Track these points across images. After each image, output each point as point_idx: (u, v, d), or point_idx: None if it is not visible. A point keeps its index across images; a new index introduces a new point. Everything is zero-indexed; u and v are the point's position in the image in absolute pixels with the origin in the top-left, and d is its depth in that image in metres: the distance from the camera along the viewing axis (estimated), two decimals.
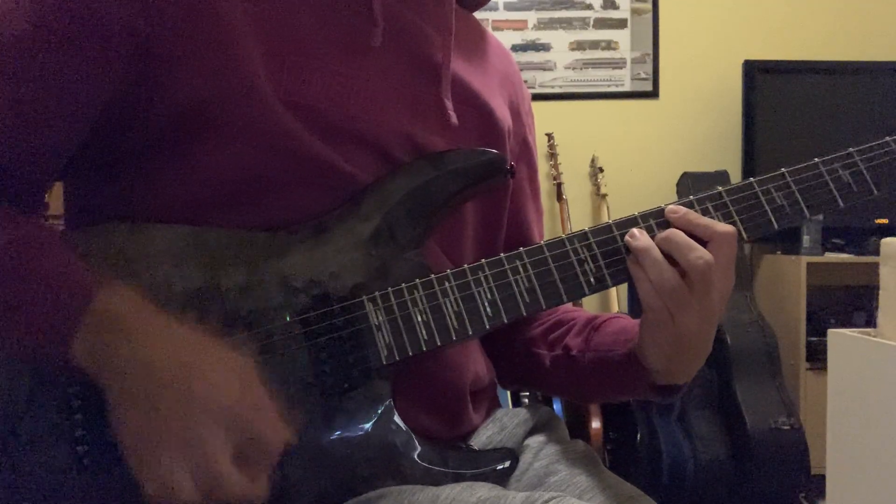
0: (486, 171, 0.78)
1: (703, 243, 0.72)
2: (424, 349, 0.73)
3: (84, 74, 0.68)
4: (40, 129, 0.69)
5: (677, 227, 0.74)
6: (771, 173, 0.77)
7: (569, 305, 0.86)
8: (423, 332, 0.73)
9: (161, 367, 0.63)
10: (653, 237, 0.73)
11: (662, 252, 0.72)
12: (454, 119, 0.80)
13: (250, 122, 0.70)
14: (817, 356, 2.78)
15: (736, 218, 0.76)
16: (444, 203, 0.77)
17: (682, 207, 0.75)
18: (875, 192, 0.77)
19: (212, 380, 0.63)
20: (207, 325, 0.67)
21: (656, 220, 0.75)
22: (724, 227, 0.73)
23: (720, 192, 0.76)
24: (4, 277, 0.65)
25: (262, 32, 0.71)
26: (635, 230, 0.74)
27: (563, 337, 0.88)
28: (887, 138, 0.78)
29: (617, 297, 2.97)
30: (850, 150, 0.78)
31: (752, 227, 0.76)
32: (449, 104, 0.81)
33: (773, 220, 0.76)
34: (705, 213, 0.76)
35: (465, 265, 0.75)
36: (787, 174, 0.77)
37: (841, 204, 0.77)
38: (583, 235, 0.75)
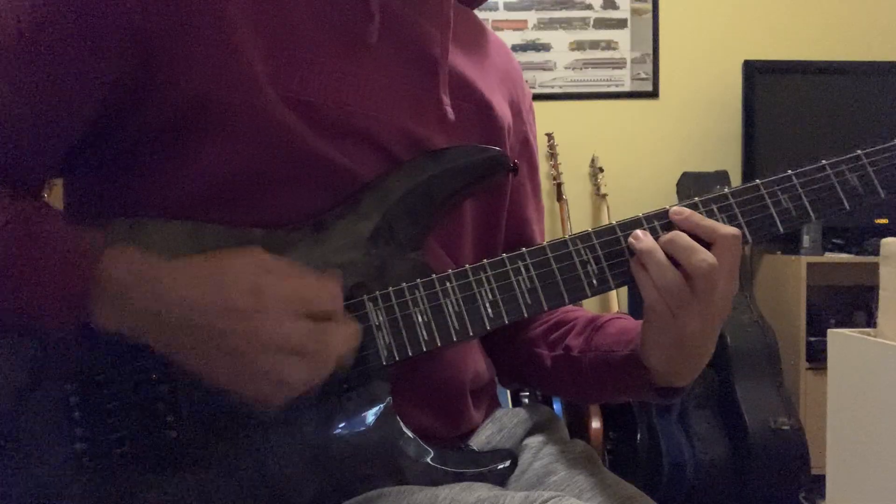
0: (488, 168, 0.78)
1: (707, 245, 0.72)
2: (425, 349, 0.72)
3: (82, 71, 0.68)
4: (38, 125, 0.69)
5: (681, 229, 0.73)
6: (777, 175, 0.76)
7: (570, 305, 0.86)
8: (424, 332, 0.72)
9: (197, 297, 0.64)
10: (656, 239, 0.73)
11: (666, 254, 0.72)
12: (451, 115, 0.80)
13: (249, 119, 0.70)
14: (817, 356, 2.78)
15: (741, 220, 0.75)
16: (444, 201, 0.76)
17: (686, 209, 0.75)
18: (883, 196, 0.76)
19: (243, 282, 0.64)
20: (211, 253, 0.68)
21: (660, 222, 0.75)
22: (728, 230, 0.73)
23: (725, 194, 0.76)
24: (7, 256, 0.65)
25: (260, 29, 0.71)
26: (639, 232, 0.74)
27: (564, 337, 0.88)
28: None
29: (617, 297, 2.97)
30: (858, 152, 0.77)
31: (757, 229, 0.76)
32: (446, 100, 0.80)
33: (778, 222, 0.76)
34: (710, 214, 0.75)
35: (467, 265, 0.74)
36: (793, 176, 0.77)
37: (847, 207, 0.76)
38: (586, 236, 0.75)
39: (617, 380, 0.82)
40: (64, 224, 0.68)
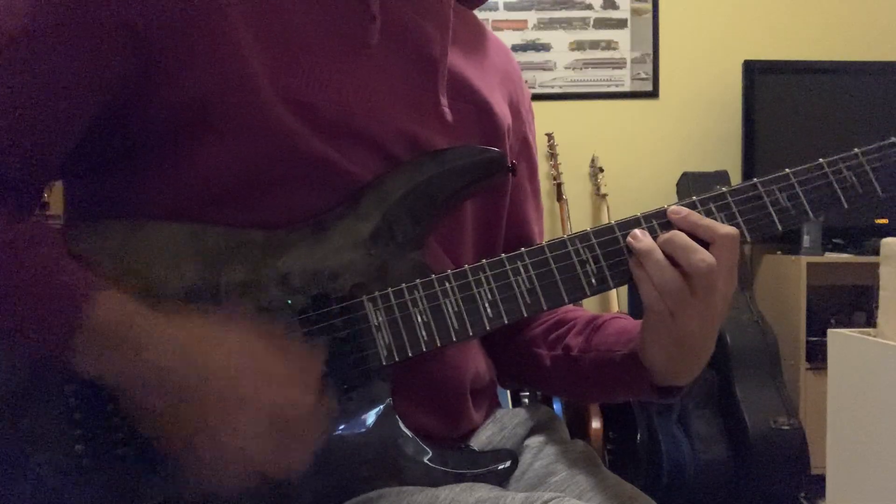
0: (488, 168, 0.78)
1: (706, 245, 0.72)
2: (424, 350, 0.72)
3: (80, 73, 0.68)
4: (37, 128, 0.68)
5: (680, 229, 0.73)
6: (775, 174, 0.76)
7: (569, 305, 0.86)
8: (424, 332, 0.72)
9: (177, 375, 0.64)
10: (655, 238, 0.73)
11: (665, 253, 0.72)
12: (449, 116, 0.80)
13: (248, 121, 0.70)
14: (817, 356, 2.77)
15: (739, 219, 0.75)
16: (444, 201, 0.76)
17: (684, 208, 0.75)
18: (881, 194, 0.76)
19: (222, 379, 0.64)
20: (199, 315, 0.67)
21: (659, 221, 0.75)
22: (727, 229, 0.72)
23: (724, 193, 0.76)
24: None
25: (261, 31, 0.71)
26: (637, 231, 0.74)
27: (563, 336, 0.88)
28: (893, 139, 0.77)
29: (617, 297, 2.97)
30: (856, 150, 0.77)
31: (756, 228, 0.76)
32: (444, 101, 0.80)
33: (776, 221, 0.76)
34: (708, 213, 0.75)
35: (466, 265, 0.74)
36: (791, 175, 0.76)
37: (845, 206, 0.76)
38: (585, 236, 0.75)
39: (616, 379, 0.82)
40: (60, 256, 0.67)
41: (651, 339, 0.75)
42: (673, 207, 0.75)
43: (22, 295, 0.64)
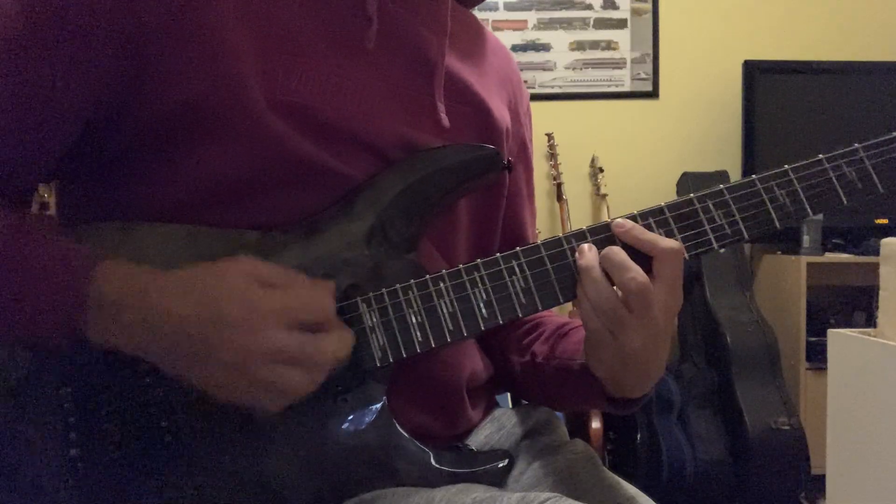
0: (482, 166, 0.77)
1: (649, 259, 0.70)
2: (419, 351, 0.72)
3: (71, 75, 0.67)
4: (29, 130, 0.68)
5: (623, 242, 0.72)
6: (773, 170, 0.75)
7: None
8: (418, 333, 0.72)
9: (189, 310, 0.63)
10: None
11: (603, 270, 0.70)
12: (446, 122, 0.80)
13: (240, 124, 0.69)
14: (817, 356, 2.77)
15: (737, 216, 0.74)
16: (438, 200, 0.76)
17: (628, 222, 0.73)
18: (881, 189, 0.75)
19: (235, 294, 0.64)
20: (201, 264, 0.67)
21: (655, 219, 0.74)
22: (668, 243, 0.71)
23: (721, 190, 0.75)
24: (0, 269, 0.65)
25: (255, 33, 0.70)
26: (584, 246, 0.72)
27: (532, 343, 0.88)
28: (894, 134, 0.76)
29: None
30: (856, 145, 0.76)
31: (754, 225, 0.74)
32: (441, 106, 0.80)
33: (775, 218, 0.75)
34: (706, 212, 0.74)
35: (461, 265, 0.74)
36: (790, 171, 0.75)
37: (845, 202, 0.75)
38: (580, 234, 0.74)
39: (574, 389, 0.81)
40: (57, 237, 0.67)
41: (593, 356, 0.74)
42: (618, 220, 0.73)
43: (24, 280, 0.64)
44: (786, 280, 2.93)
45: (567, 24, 3.26)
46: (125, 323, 0.64)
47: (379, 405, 0.72)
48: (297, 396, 0.65)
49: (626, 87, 3.27)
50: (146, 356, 0.65)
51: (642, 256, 0.71)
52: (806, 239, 2.88)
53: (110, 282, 0.64)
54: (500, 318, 0.73)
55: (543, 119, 3.03)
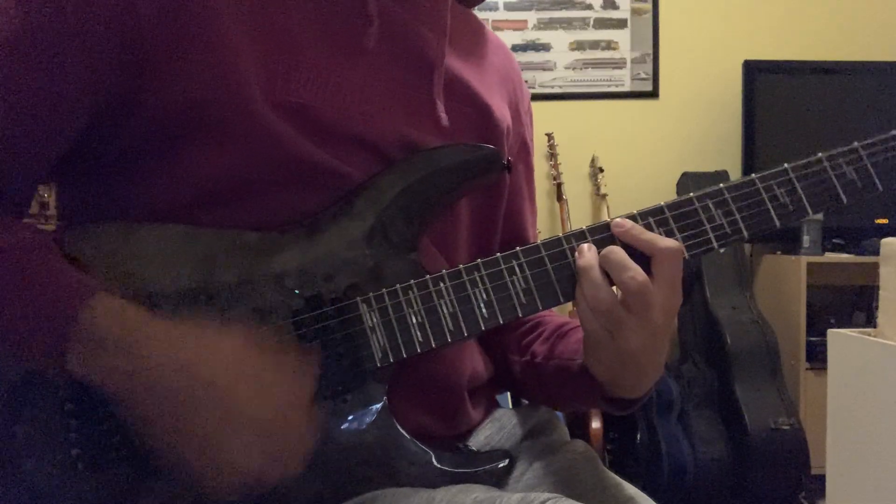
0: (482, 166, 0.77)
1: (648, 259, 0.70)
2: (419, 351, 0.72)
3: (71, 78, 0.67)
4: (28, 132, 0.68)
5: (622, 242, 0.72)
6: (773, 169, 0.75)
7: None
8: (418, 333, 0.72)
9: (170, 376, 0.63)
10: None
11: (602, 270, 0.70)
12: (445, 121, 0.79)
13: (241, 124, 0.69)
14: (817, 356, 2.77)
15: (737, 216, 0.74)
16: (439, 200, 0.76)
17: (627, 221, 0.73)
18: (880, 188, 0.75)
19: (215, 388, 0.64)
20: (195, 323, 0.67)
21: (655, 218, 0.74)
22: (668, 243, 0.70)
23: (721, 189, 0.75)
24: None
25: (255, 34, 0.70)
26: (584, 246, 0.72)
27: (532, 343, 0.88)
28: (893, 132, 0.76)
29: None
30: (855, 144, 0.76)
31: (754, 224, 0.74)
32: (441, 106, 0.80)
33: (774, 217, 0.74)
34: (705, 211, 0.74)
35: (461, 265, 0.74)
36: (790, 170, 0.75)
37: (845, 201, 0.75)
38: (580, 234, 0.74)
39: (573, 389, 0.81)
40: (54, 262, 0.67)
41: (591, 356, 0.74)
42: (617, 220, 0.73)
43: (16, 301, 0.64)
44: (786, 280, 2.93)
45: (567, 24, 3.27)
46: (103, 365, 0.64)
47: (379, 405, 0.72)
48: (251, 485, 0.65)
49: (626, 87, 3.27)
50: (117, 400, 0.65)
51: (642, 256, 0.71)
52: (806, 239, 2.88)
53: (98, 318, 0.64)
54: (500, 318, 0.72)
55: (543, 119, 3.03)
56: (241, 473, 0.64)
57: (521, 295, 0.73)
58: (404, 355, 0.71)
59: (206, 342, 0.65)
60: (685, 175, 3.10)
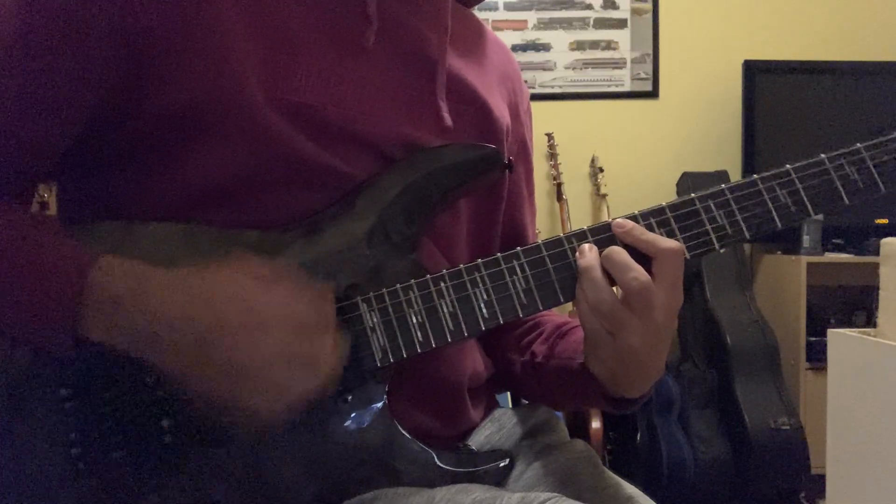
0: (482, 166, 0.77)
1: (649, 259, 0.70)
2: (419, 351, 0.72)
3: (72, 74, 0.67)
4: (28, 129, 0.68)
5: (623, 242, 0.72)
6: (774, 170, 0.75)
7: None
8: (418, 333, 0.72)
9: (188, 312, 0.63)
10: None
11: (604, 270, 0.70)
12: (448, 121, 0.80)
13: (240, 124, 0.69)
14: (817, 356, 2.77)
15: (738, 216, 0.74)
16: (439, 200, 0.76)
17: (628, 222, 0.73)
18: (883, 189, 0.75)
19: (234, 297, 0.63)
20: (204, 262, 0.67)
21: (656, 218, 0.74)
22: (669, 243, 0.71)
23: (722, 190, 0.74)
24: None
25: (255, 34, 0.70)
26: (585, 246, 0.72)
27: (532, 343, 0.88)
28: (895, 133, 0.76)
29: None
30: (858, 145, 0.75)
31: (755, 225, 0.74)
32: (444, 105, 0.80)
33: (776, 218, 0.74)
34: (706, 211, 0.74)
35: (461, 265, 0.73)
36: (791, 171, 0.75)
37: (847, 202, 0.75)
38: (581, 234, 0.74)
39: (574, 388, 0.81)
40: (57, 233, 0.67)
41: (592, 356, 0.74)
42: (617, 220, 0.73)
43: (25, 277, 0.64)
44: (786, 280, 2.93)
45: (567, 24, 3.27)
46: (122, 322, 0.64)
47: (380, 405, 0.72)
48: (295, 400, 0.65)
49: (626, 87, 3.28)
50: (143, 356, 0.65)
51: (643, 257, 0.71)
52: (806, 239, 2.88)
53: (108, 279, 0.64)
54: (500, 317, 0.72)
55: (543, 119, 3.03)
56: (277, 386, 0.64)
57: (522, 295, 0.73)
58: (404, 355, 0.71)
59: (213, 278, 0.65)
60: (685, 175, 3.10)
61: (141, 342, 0.64)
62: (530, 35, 3.26)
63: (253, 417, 0.65)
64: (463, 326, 0.72)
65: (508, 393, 1.02)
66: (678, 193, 3.02)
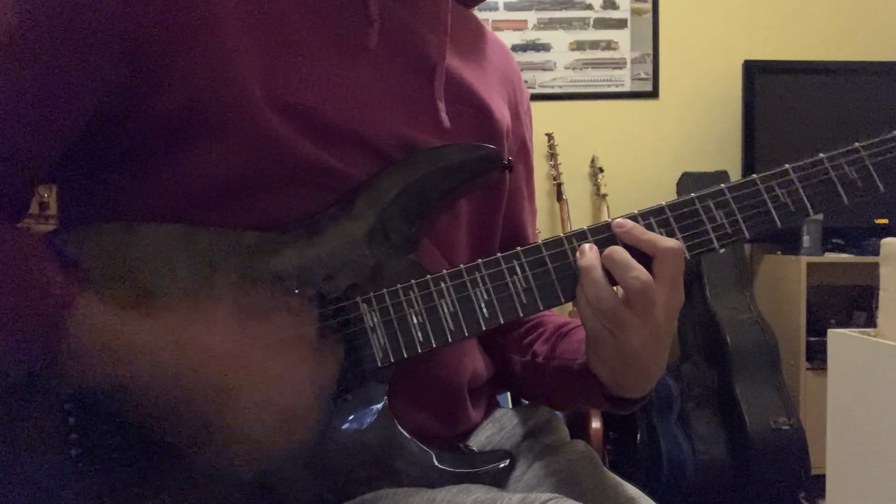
0: (482, 166, 0.77)
1: (650, 259, 0.71)
2: (420, 351, 0.72)
3: (70, 78, 0.67)
4: (26, 132, 0.68)
5: (624, 242, 0.72)
6: (774, 170, 0.75)
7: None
8: (419, 333, 0.72)
9: (168, 360, 0.64)
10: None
11: (605, 269, 0.71)
12: (446, 122, 0.80)
13: (240, 125, 0.69)
14: (817, 356, 2.78)
15: (738, 216, 0.74)
16: (439, 200, 0.76)
17: (628, 221, 0.73)
18: (882, 188, 0.75)
19: (212, 377, 0.64)
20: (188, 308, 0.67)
21: (656, 218, 0.74)
22: (669, 243, 0.71)
23: (722, 189, 0.74)
24: None
25: (255, 35, 0.70)
26: (585, 246, 0.72)
27: (533, 343, 0.88)
28: (895, 133, 0.76)
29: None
30: (857, 144, 0.76)
31: (755, 224, 0.74)
32: (442, 106, 0.80)
33: (776, 217, 0.74)
34: (706, 211, 0.74)
35: (462, 265, 0.73)
36: (791, 171, 0.75)
37: (846, 201, 0.75)
38: (581, 234, 0.74)
39: (575, 388, 0.81)
40: (40, 266, 0.66)
41: (594, 356, 0.74)
42: (617, 220, 0.73)
43: (4, 306, 0.64)
44: (786, 280, 2.93)
45: (567, 24, 3.27)
46: (97, 371, 0.64)
47: (380, 405, 0.72)
48: (296, 441, 0.67)
49: (626, 87, 3.28)
50: (120, 397, 0.65)
51: (643, 256, 0.71)
52: (806, 239, 2.88)
53: (93, 316, 0.64)
54: (501, 318, 0.72)
55: (543, 119, 3.03)
56: (256, 443, 0.65)
57: (522, 295, 0.73)
58: (405, 355, 0.71)
59: (202, 320, 0.66)
60: (685, 175, 3.10)
61: (118, 383, 0.65)
62: (530, 35, 3.26)
63: (220, 468, 0.66)
64: (463, 326, 0.72)
65: (508, 393, 1.02)
66: (678, 193, 3.02)
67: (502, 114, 0.87)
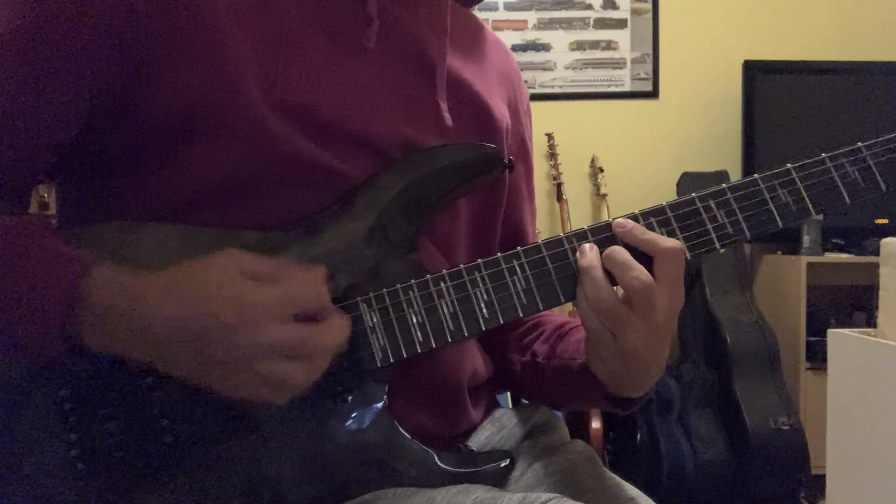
0: (482, 165, 0.77)
1: (650, 259, 0.70)
2: (419, 351, 0.72)
3: (67, 76, 0.67)
4: (25, 128, 0.68)
5: (624, 242, 0.72)
6: (775, 169, 0.75)
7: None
8: (419, 333, 0.72)
9: (182, 312, 0.63)
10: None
11: (605, 270, 0.70)
12: (449, 121, 0.80)
13: (239, 125, 0.69)
14: (817, 356, 2.78)
15: (739, 216, 0.74)
16: (439, 199, 0.76)
17: (629, 222, 0.73)
18: (884, 188, 0.75)
19: (225, 292, 0.63)
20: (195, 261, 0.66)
21: (657, 218, 0.74)
22: (669, 243, 0.71)
23: (723, 189, 0.74)
24: None
25: (255, 33, 0.70)
26: (585, 246, 0.72)
27: (532, 343, 0.88)
28: None
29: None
30: (859, 144, 0.75)
31: (756, 224, 0.74)
32: (444, 105, 0.80)
33: (777, 217, 0.74)
34: (707, 211, 0.74)
35: (461, 265, 0.73)
36: (792, 170, 0.75)
37: (848, 201, 0.75)
38: (582, 234, 0.74)
39: (575, 388, 0.81)
40: (50, 241, 0.66)
41: (593, 355, 0.74)
42: (618, 220, 0.73)
43: (18, 281, 0.64)
44: (786, 280, 2.93)
45: (567, 24, 3.27)
46: (117, 329, 0.64)
47: (380, 405, 0.72)
48: (299, 388, 0.65)
49: (626, 87, 3.28)
50: (140, 359, 0.65)
51: (643, 256, 0.71)
52: (806, 239, 2.88)
53: (100, 288, 0.64)
54: (500, 318, 0.72)
55: (543, 119, 3.03)
56: (280, 379, 0.63)
57: (522, 295, 0.73)
58: (405, 355, 0.71)
59: (203, 275, 0.64)
60: (685, 175, 3.10)
61: (137, 346, 0.64)
62: (530, 35, 3.26)
63: (254, 409, 0.65)
64: (463, 326, 0.72)
65: (508, 393, 1.02)
66: (678, 193, 3.02)
67: (502, 113, 0.87)
